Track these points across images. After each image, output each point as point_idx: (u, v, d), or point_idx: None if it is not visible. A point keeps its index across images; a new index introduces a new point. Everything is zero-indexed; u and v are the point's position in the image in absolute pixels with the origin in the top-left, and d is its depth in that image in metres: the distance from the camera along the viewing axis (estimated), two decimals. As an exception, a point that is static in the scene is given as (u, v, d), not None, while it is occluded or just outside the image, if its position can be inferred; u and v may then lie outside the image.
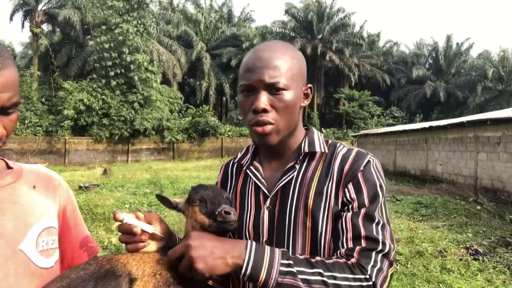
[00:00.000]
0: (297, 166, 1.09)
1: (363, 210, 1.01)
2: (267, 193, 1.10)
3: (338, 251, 1.00)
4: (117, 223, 1.02)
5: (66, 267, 1.08)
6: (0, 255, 0.91)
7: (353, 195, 1.02)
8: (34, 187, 1.05)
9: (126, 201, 9.09)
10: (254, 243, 0.95)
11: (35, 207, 1.02)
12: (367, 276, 0.93)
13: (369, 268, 0.95)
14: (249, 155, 1.20)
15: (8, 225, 0.94)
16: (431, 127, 14.23)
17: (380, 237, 0.99)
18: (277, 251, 0.94)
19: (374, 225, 1.00)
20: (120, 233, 1.03)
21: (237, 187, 1.19)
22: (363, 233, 0.98)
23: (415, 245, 5.83)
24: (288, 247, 1.05)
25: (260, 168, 1.14)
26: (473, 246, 5.84)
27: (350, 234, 0.99)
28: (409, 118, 37.46)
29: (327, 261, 0.95)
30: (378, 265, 0.96)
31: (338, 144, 1.13)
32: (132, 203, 8.87)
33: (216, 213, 0.99)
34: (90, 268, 0.93)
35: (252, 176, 1.14)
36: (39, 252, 0.98)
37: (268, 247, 0.95)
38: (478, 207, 8.66)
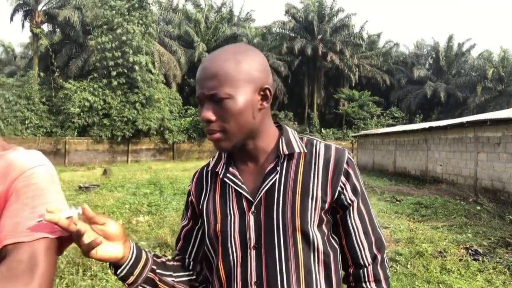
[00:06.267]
0: (278, 168, 1.07)
1: (367, 219, 1.11)
2: (251, 199, 1.07)
3: (365, 275, 1.10)
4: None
5: None
6: None
7: (351, 197, 1.08)
8: None
9: (126, 202, 9.07)
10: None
11: None
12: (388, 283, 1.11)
13: (387, 278, 1.11)
14: (222, 161, 1.16)
15: None
16: (431, 128, 14.23)
17: (384, 241, 1.13)
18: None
19: (378, 229, 1.13)
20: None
21: (216, 197, 1.14)
22: (375, 249, 1.11)
23: (415, 245, 5.83)
24: (280, 251, 1.03)
25: (237, 174, 1.11)
26: (473, 246, 5.84)
27: (367, 252, 1.10)
28: (409, 119, 37.45)
29: None
30: (386, 263, 1.12)
31: (315, 141, 1.12)
32: (132, 204, 8.86)
33: None
34: None
35: (232, 184, 1.10)
36: None
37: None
38: (478, 208, 8.66)
